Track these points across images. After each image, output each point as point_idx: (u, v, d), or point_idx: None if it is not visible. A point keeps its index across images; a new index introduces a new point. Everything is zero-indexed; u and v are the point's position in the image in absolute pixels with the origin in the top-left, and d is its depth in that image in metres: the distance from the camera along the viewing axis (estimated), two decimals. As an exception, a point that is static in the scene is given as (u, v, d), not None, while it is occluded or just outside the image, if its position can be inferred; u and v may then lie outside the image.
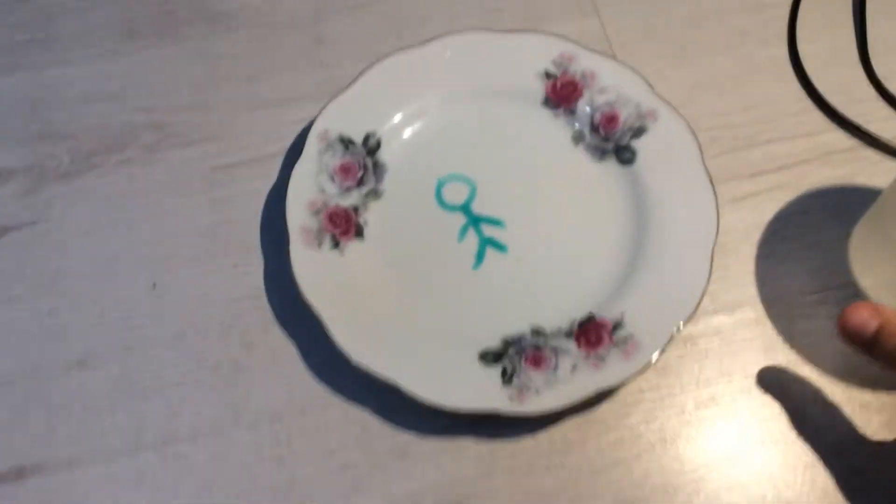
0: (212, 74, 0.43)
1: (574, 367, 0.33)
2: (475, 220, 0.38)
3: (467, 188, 0.38)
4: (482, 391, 0.33)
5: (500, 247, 0.37)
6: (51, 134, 0.41)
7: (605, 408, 0.34)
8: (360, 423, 0.34)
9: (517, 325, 0.35)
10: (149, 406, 0.35)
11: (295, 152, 0.40)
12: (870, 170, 0.39)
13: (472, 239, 0.37)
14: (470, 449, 0.34)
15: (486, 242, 0.37)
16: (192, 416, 0.35)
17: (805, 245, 0.37)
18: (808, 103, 0.41)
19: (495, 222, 0.38)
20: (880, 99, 0.41)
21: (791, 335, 0.36)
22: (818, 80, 0.42)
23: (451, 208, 0.38)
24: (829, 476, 0.33)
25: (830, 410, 0.34)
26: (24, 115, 0.42)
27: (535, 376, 0.33)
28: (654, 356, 0.33)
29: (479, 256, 0.37)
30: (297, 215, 0.36)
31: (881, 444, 0.33)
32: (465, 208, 0.38)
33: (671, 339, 0.33)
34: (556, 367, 0.33)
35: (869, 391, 0.34)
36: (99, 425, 0.34)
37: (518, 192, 0.38)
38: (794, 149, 0.40)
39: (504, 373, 0.33)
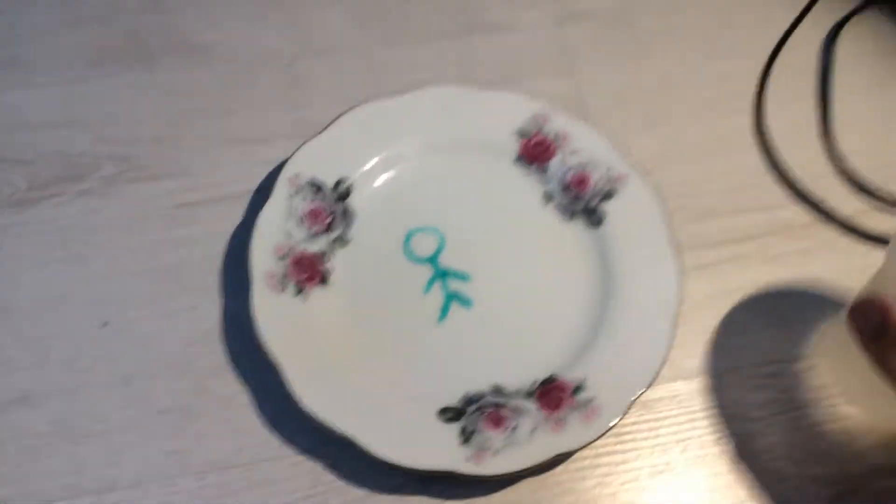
0: (181, 108, 0.45)
1: (534, 429, 0.35)
2: (442, 274, 0.40)
3: (436, 240, 0.41)
4: (440, 450, 0.34)
5: (465, 301, 0.39)
6: (8, 158, 0.42)
7: (560, 470, 0.36)
8: (310, 476, 0.35)
9: (479, 382, 0.37)
10: (89, 450, 0.35)
11: (263, 193, 0.42)
12: (828, 245, 0.43)
13: (437, 292, 0.39)
14: (423, 508, 0.35)
15: (452, 297, 0.39)
16: (135, 462, 0.35)
17: (763, 316, 0.40)
18: (770, 176, 0.45)
19: (462, 276, 0.40)
20: (839, 175, 0.45)
21: (745, 405, 0.38)
22: (781, 154, 0.46)
23: (418, 260, 0.40)
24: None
25: (782, 483, 0.36)
26: (-19, 138, 0.43)
27: (493, 436, 0.35)
28: (614, 421, 0.35)
29: (444, 310, 0.39)
30: (263, 260, 0.38)
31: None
32: (433, 260, 0.40)
33: (631, 405, 0.35)
34: (515, 428, 0.35)
35: (819, 466, 0.37)
36: (35, 467, 0.35)
37: (486, 247, 0.41)
38: (755, 221, 0.43)
39: (463, 431, 0.35)
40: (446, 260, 0.40)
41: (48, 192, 0.42)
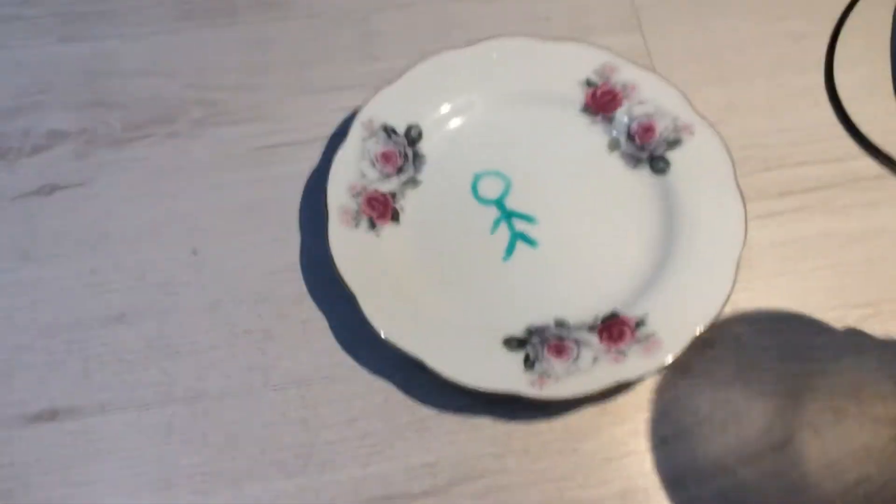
0: (263, 58, 0.49)
1: (595, 360, 0.38)
2: (508, 215, 0.43)
3: (502, 184, 0.44)
4: (505, 374, 0.38)
5: (530, 241, 0.42)
6: (105, 102, 0.47)
7: (621, 401, 0.39)
8: (383, 395, 0.39)
9: (542, 316, 0.40)
10: (180, 365, 0.40)
11: (338, 138, 0.46)
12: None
13: (503, 232, 0.43)
14: (486, 428, 0.38)
15: (518, 236, 0.42)
16: (221, 377, 0.40)
17: (826, 265, 0.42)
18: (840, 130, 0.47)
19: (527, 218, 0.43)
20: (912, 132, 0.46)
21: (806, 347, 0.40)
22: (851, 109, 0.47)
23: (485, 202, 0.43)
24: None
25: (842, 423, 0.38)
26: (81, 83, 0.48)
27: (556, 364, 0.38)
28: (674, 355, 0.37)
29: (510, 249, 0.42)
30: (338, 196, 0.42)
31: None
32: (499, 203, 0.43)
33: (692, 340, 0.38)
34: (577, 358, 0.38)
35: (881, 405, 0.39)
36: (132, 377, 0.40)
37: (551, 192, 0.44)
38: (823, 172, 0.45)
39: (527, 359, 0.38)
40: (512, 203, 0.43)
41: (141, 133, 0.46)
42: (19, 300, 0.42)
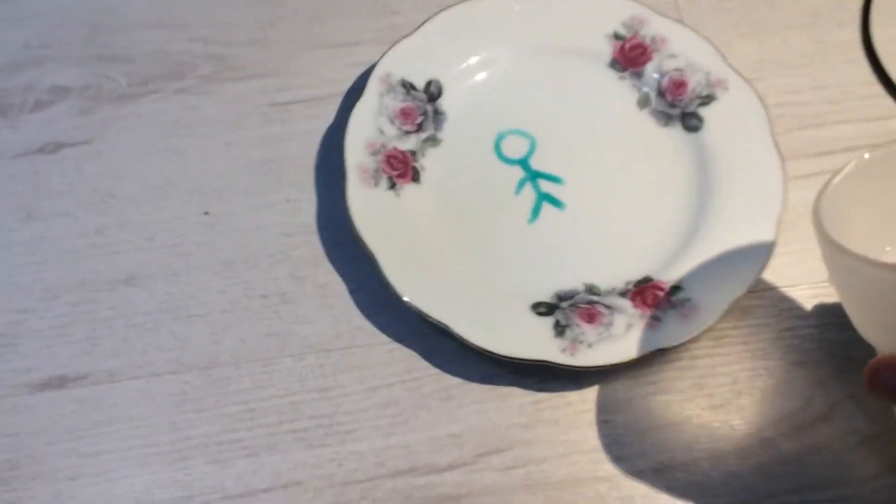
0: (274, 12, 0.45)
1: (629, 326, 0.35)
2: (533, 175, 0.39)
3: (527, 143, 0.40)
4: (534, 341, 0.35)
5: (557, 203, 0.39)
6: (109, 56, 0.43)
7: (655, 369, 0.36)
8: (405, 362, 0.36)
9: (571, 280, 0.37)
10: (193, 329, 0.37)
11: (354, 95, 0.42)
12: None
13: (528, 193, 0.39)
14: (514, 398, 0.35)
15: (543, 198, 0.39)
16: (236, 342, 0.36)
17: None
18: (878, 88, 0.43)
19: (554, 179, 0.39)
20: (953, 91, 0.43)
21: (845, 314, 0.37)
22: (890, 67, 0.43)
23: (509, 161, 0.40)
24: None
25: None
26: (85, 37, 0.44)
27: (588, 330, 0.35)
28: (713, 321, 0.34)
29: (535, 211, 0.38)
30: (356, 154, 0.38)
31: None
32: (524, 163, 0.40)
33: (730, 307, 0.35)
34: (610, 324, 0.35)
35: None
36: (142, 342, 0.36)
37: (578, 151, 0.40)
38: (861, 131, 0.41)
39: (557, 325, 0.35)
40: (537, 163, 0.40)
41: (148, 88, 0.42)
42: (23, 261, 0.38)
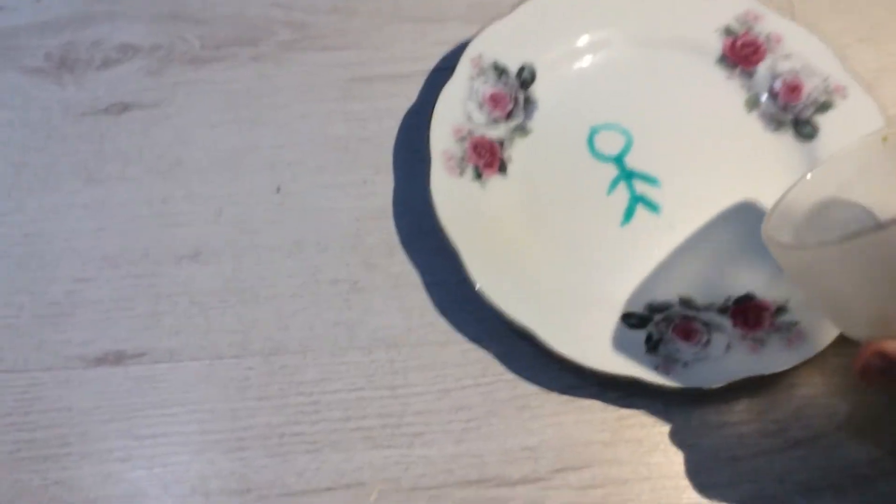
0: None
1: (728, 346, 0.32)
2: (628, 175, 0.37)
3: (622, 139, 0.37)
4: (624, 355, 0.32)
5: (652, 206, 0.36)
6: (183, 16, 0.41)
7: (749, 394, 0.33)
8: (481, 365, 0.34)
9: (665, 291, 0.34)
10: (259, 313, 0.35)
11: (438, 75, 0.39)
12: None
13: (622, 194, 0.36)
14: (596, 412, 0.33)
15: (638, 200, 0.36)
16: (303, 329, 0.34)
17: None
18: None
19: (650, 180, 0.36)
20: None
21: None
22: None
23: (602, 158, 0.37)
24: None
25: None
26: (158, -7, 0.42)
27: (683, 348, 0.32)
28: (820, 348, 0.32)
29: (629, 213, 0.36)
30: (442, 139, 0.36)
31: None
32: (619, 160, 0.37)
33: (840, 333, 0.32)
34: (707, 343, 0.32)
35: None
36: (205, 322, 0.34)
37: (679, 152, 0.37)
38: None
39: (649, 339, 0.33)
40: (632, 161, 0.37)
41: (222, 53, 0.40)
42: (82, 226, 0.36)
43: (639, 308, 0.34)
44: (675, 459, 0.32)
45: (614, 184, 0.37)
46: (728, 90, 0.38)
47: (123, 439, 0.32)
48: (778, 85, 0.37)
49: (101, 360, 0.34)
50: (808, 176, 0.32)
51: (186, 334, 0.34)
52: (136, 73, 0.40)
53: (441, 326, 0.34)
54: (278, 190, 0.37)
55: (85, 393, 0.33)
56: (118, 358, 0.34)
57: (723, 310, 0.33)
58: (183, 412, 0.33)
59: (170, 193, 0.37)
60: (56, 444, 0.32)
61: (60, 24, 0.41)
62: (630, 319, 0.33)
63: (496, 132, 0.37)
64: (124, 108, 0.39)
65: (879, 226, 0.27)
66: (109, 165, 0.38)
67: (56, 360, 0.34)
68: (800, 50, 0.38)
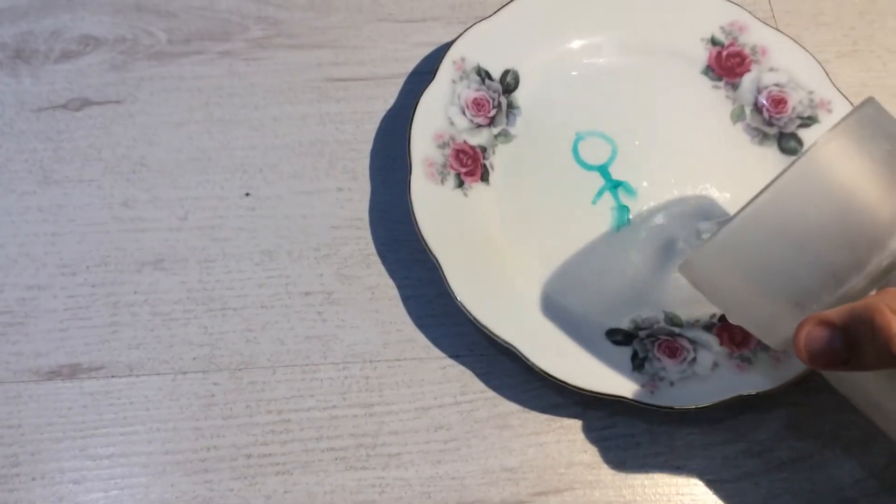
0: (334, -24, 0.40)
1: (715, 365, 0.31)
2: (614, 185, 0.35)
3: (608, 147, 0.36)
4: (610, 373, 0.31)
5: (624, 216, 0.35)
6: (149, 7, 0.39)
7: (734, 414, 0.32)
8: (460, 382, 0.32)
9: (649, 307, 0.33)
10: (226, 325, 0.32)
11: (418, 77, 0.38)
12: None
13: (606, 204, 0.35)
14: (578, 432, 0.32)
15: (625, 210, 0.35)
16: (273, 343, 0.32)
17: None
18: None
19: (631, 191, 0.36)
20: None
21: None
22: None
23: (587, 167, 0.36)
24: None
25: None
26: (122, -17, 0.39)
27: (669, 366, 0.31)
28: (808, 368, 0.31)
29: (618, 225, 0.35)
30: (422, 145, 0.34)
31: None
32: (603, 170, 0.36)
33: (823, 351, 0.31)
34: (693, 361, 0.31)
35: None
36: (168, 334, 0.32)
37: (660, 162, 0.36)
38: (966, 171, 0.38)
39: (635, 356, 0.31)
40: (617, 170, 0.36)
41: (190, 48, 0.38)
42: (37, 229, 0.34)
43: (624, 324, 0.32)
44: (661, 482, 0.31)
45: (600, 193, 0.35)
46: (714, 100, 0.37)
47: (77, 459, 0.30)
48: (763, 98, 0.37)
49: (55, 374, 0.31)
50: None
51: (147, 347, 0.32)
52: (98, 67, 0.37)
53: (419, 341, 0.33)
54: (248, 194, 0.35)
55: (36, 409, 0.31)
56: (73, 371, 0.31)
57: (708, 327, 0.32)
58: (143, 430, 0.30)
59: (132, 196, 0.34)
60: (4, 464, 0.30)
61: (17, 12, 0.38)
62: (615, 336, 0.32)
63: (479, 138, 0.35)
64: (84, 103, 0.36)
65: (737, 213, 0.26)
66: (67, 165, 0.35)
67: (5, 373, 0.31)
68: (786, 63, 0.37)
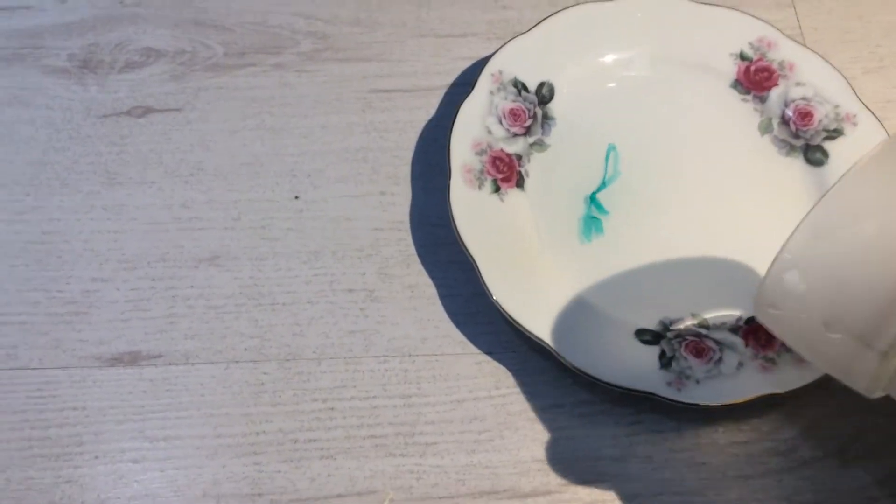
0: (380, -6, 0.43)
1: (740, 365, 0.32)
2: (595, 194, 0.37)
3: (636, 157, 0.38)
4: (638, 371, 0.32)
5: (598, 222, 0.36)
6: (206, 22, 0.41)
7: (758, 413, 0.33)
8: (494, 377, 0.34)
9: (676, 309, 0.34)
10: (275, 318, 0.35)
11: (458, 89, 0.40)
12: None
13: (633, 211, 0.36)
14: (607, 428, 0.33)
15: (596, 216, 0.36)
16: (318, 336, 0.34)
17: None
18: None
19: (602, 209, 0.37)
20: None
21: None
22: None
23: (615, 176, 0.37)
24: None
25: None
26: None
27: (696, 366, 0.32)
28: (829, 369, 0.32)
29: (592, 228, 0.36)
30: (461, 152, 0.36)
31: None
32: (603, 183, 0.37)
33: (847, 354, 0.32)
34: (720, 361, 0.33)
35: None
36: (221, 326, 0.34)
37: (692, 172, 0.37)
38: None
39: (662, 355, 0.33)
40: (646, 180, 0.37)
41: (245, 60, 0.40)
42: (102, 227, 0.36)
43: (652, 324, 0.34)
44: (687, 476, 0.32)
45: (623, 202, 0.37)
46: (743, 113, 0.38)
47: (136, 440, 0.32)
48: (790, 111, 0.38)
49: (117, 361, 0.34)
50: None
51: (202, 338, 0.34)
52: (159, 78, 0.40)
53: (455, 338, 0.34)
54: (297, 197, 0.37)
55: (99, 393, 0.33)
56: (133, 359, 0.34)
57: (734, 329, 0.34)
58: (197, 415, 0.33)
59: (190, 198, 0.37)
60: (69, 443, 0.32)
61: (85, 25, 0.41)
62: (644, 335, 0.33)
63: (514, 147, 0.37)
64: (146, 111, 0.39)
65: None
66: (131, 168, 0.38)
67: (71, 358, 0.34)
68: (812, 78, 0.38)
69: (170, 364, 0.34)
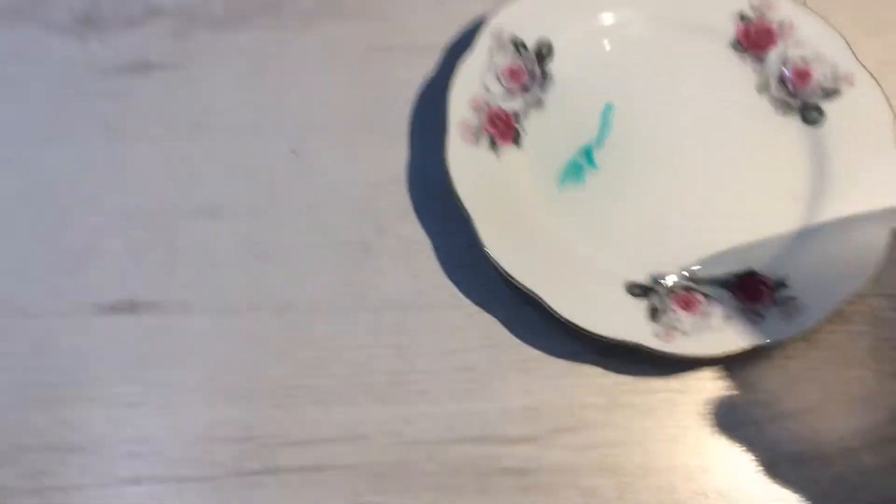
0: (380, -48, 0.43)
1: (727, 318, 0.33)
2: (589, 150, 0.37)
3: (633, 115, 0.38)
4: (626, 322, 0.33)
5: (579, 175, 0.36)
6: (208, -19, 0.42)
7: (743, 365, 0.34)
8: (485, 329, 0.34)
9: (668, 264, 0.35)
10: (271, 270, 0.35)
11: (458, 48, 0.40)
12: None
13: (627, 165, 0.37)
14: (594, 378, 0.34)
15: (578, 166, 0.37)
16: (314, 288, 0.35)
17: None
18: None
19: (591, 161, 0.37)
20: None
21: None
22: None
23: (607, 131, 0.38)
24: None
25: None
26: (184, -43, 0.42)
27: (683, 318, 0.33)
28: (816, 322, 0.32)
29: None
30: (459, 108, 0.36)
31: None
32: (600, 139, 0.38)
33: (834, 309, 0.33)
34: (708, 314, 0.33)
35: None
36: (219, 276, 0.35)
37: (688, 130, 0.38)
38: None
39: (651, 308, 0.33)
40: (643, 136, 0.38)
41: (244, 17, 0.40)
42: (103, 180, 0.37)
43: (642, 278, 0.34)
44: (669, 424, 0.33)
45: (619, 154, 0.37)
46: (741, 72, 0.38)
47: (133, 385, 0.33)
48: (788, 71, 0.38)
49: (114, 309, 0.34)
50: None
51: (199, 287, 0.35)
52: (161, 35, 0.40)
53: (448, 290, 0.35)
54: (295, 153, 0.37)
55: (98, 340, 0.34)
56: (131, 307, 0.34)
57: (724, 283, 0.34)
58: (193, 362, 0.34)
59: (190, 153, 0.37)
60: (67, 387, 0.33)
61: (87, -18, 0.42)
62: (634, 289, 0.34)
63: (512, 104, 0.37)
64: (148, 67, 0.39)
65: None
66: (132, 123, 0.38)
67: (70, 306, 0.35)
68: (810, 37, 0.38)
69: (167, 312, 0.34)
